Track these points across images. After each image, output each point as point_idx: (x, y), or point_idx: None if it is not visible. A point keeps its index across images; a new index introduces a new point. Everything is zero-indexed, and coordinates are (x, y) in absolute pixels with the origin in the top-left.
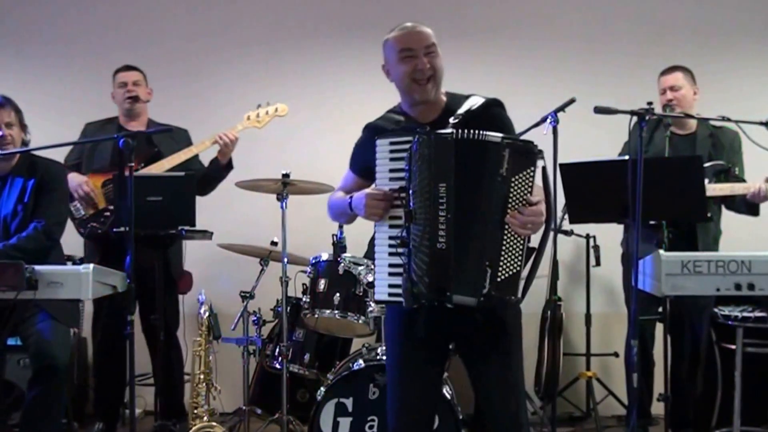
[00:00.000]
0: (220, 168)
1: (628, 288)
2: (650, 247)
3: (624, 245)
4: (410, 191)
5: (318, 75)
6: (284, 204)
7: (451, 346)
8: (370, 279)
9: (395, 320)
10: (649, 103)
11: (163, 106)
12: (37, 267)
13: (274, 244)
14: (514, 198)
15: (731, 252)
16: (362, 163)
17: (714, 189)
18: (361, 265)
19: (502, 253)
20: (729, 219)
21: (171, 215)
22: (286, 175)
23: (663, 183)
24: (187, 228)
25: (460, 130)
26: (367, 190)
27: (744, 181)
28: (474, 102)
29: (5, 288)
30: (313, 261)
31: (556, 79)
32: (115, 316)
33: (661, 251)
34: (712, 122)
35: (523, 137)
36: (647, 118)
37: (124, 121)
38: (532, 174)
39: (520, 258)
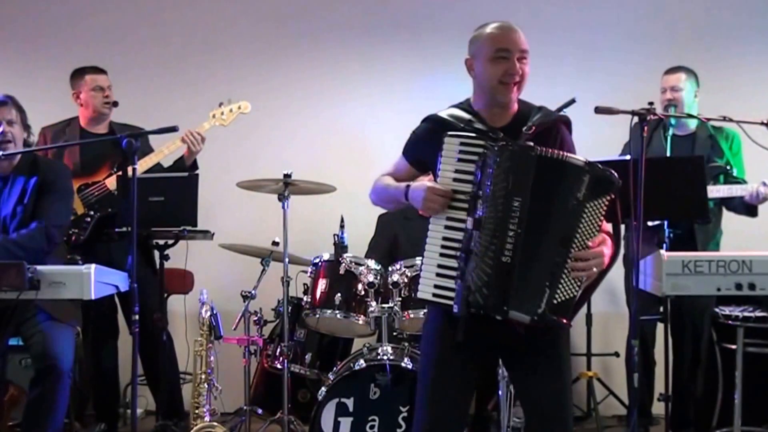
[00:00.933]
0: (185, 168)
1: (629, 288)
2: (651, 247)
3: (624, 247)
4: (480, 198)
5: (320, 75)
6: (285, 204)
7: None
8: (371, 279)
9: (436, 321)
10: (650, 103)
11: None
12: (39, 267)
13: (275, 244)
14: (585, 224)
15: (732, 252)
16: (419, 155)
17: (712, 191)
18: (362, 265)
19: (563, 276)
20: (729, 219)
21: (173, 215)
22: (287, 175)
23: (664, 183)
24: (188, 228)
25: (543, 148)
26: (429, 184)
27: (744, 181)
28: (545, 114)
29: (7, 288)
30: (315, 261)
31: (557, 79)
32: (103, 316)
33: (662, 251)
34: (712, 123)
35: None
36: (648, 118)
37: (87, 123)
38: (606, 203)
39: (579, 284)
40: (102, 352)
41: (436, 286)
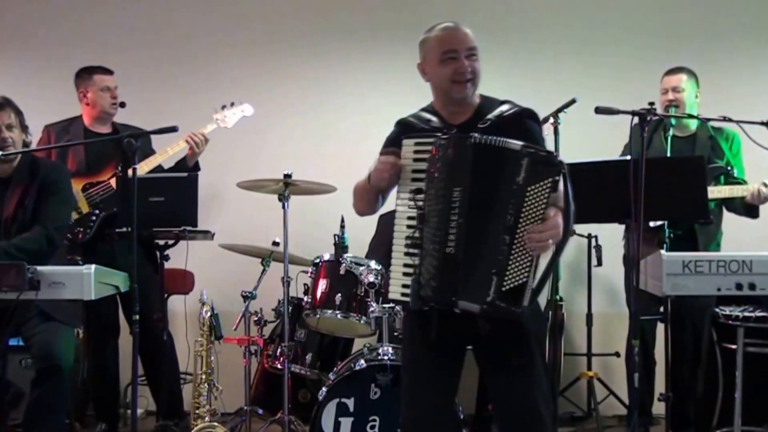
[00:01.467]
0: (187, 169)
1: (629, 288)
2: (651, 248)
3: (625, 247)
4: (424, 192)
5: (321, 75)
6: (286, 204)
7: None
8: (372, 279)
9: (411, 321)
10: (651, 104)
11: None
12: (39, 267)
13: (275, 244)
14: (528, 209)
15: (732, 252)
16: None
17: (713, 192)
18: (362, 265)
19: (510, 262)
20: (730, 219)
21: (173, 215)
22: (287, 176)
23: (665, 183)
24: (189, 228)
25: (480, 135)
26: (382, 157)
27: (744, 182)
28: (507, 108)
29: (7, 289)
30: (315, 261)
31: (558, 79)
32: (105, 316)
33: (663, 251)
34: (712, 124)
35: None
36: (648, 118)
37: (91, 123)
38: (548, 185)
39: (527, 269)
40: (103, 352)
41: (403, 285)
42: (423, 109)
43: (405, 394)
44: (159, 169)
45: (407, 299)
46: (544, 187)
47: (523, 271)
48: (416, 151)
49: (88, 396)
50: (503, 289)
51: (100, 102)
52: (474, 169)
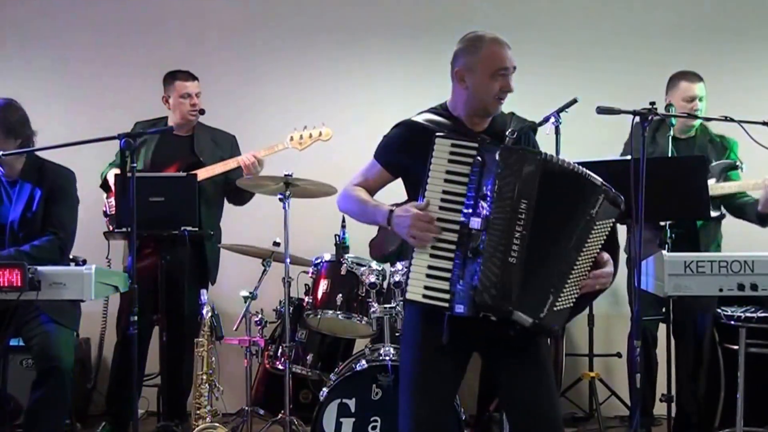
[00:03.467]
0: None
1: (631, 289)
2: (653, 248)
3: (627, 249)
4: (484, 198)
5: (322, 75)
6: (287, 204)
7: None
8: (373, 280)
9: (416, 323)
10: (652, 104)
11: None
12: (40, 268)
13: (276, 244)
14: (592, 241)
15: (734, 252)
16: (393, 160)
17: (723, 188)
18: (363, 265)
19: (566, 285)
20: (732, 220)
21: (173, 216)
22: (288, 176)
23: (666, 183)
24: (188, 229)
25: (548, 154)
26: (414, 210)
27: (743, 193)
28: (520, 122)
29: (8, 289)
30: (316, 262)
31: (559, 79)
32: (138, 316)
33: (664, 252)
34: (714, 131)
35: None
36: (649, 118)
37: (180, 129)
38: (611, 225)
39: (575, 294)
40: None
41: (426, 287)
42: (434, 113)
43: (409, 396)
44: (234, 175)
45: (431, 302)
46: (608, 225)
47: (572, 296)
48: (452, 153)
49: (90, 396)
50: (555, 308)
51: (179, 108)
52: (540, 185)
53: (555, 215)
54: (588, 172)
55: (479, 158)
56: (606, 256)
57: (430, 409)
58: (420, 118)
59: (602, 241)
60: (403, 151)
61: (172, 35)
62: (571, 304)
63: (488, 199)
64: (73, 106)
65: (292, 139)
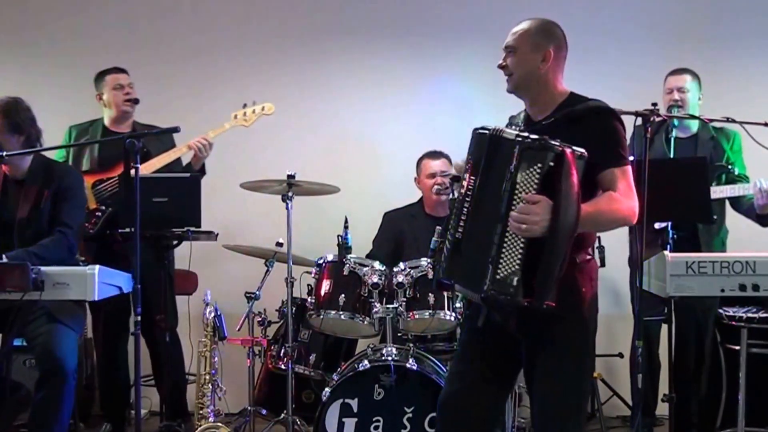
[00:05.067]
0: (193, 173)
1: (633, 290)
2: (655, 249)
3: (630, 249)
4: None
5: (325, 76)
6: (289, 205)
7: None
8: (375, 280)
9: (470, 311)
10: (654, 104)
11: (151, 106)
12: (44, 268)
13: (279, 244)
14: (519, 195)
15: (736, 253)
16: None
17: (716, 191)
18: (366, 266)
19: (503, 251)
20: (733, 220)
21: (176, 216)
22: (291, 176)
23: (667, 184)
24: (192, 229)
25: (500, 128)
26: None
27: (746, 177)
28: (581, 106)
29: (12, 289)
30: (319, 262)
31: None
32: (115, 317)
33: (666, 252)
34: (713, 124)
35: None
36: (651, 119)
37: (111, 123)
38: (538, 172)
39: (519, 256)
40: (113, 353)
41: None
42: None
43: (448, 374)
44: (176, 167)
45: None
46: (534, 173)
47: (515, 259)
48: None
49: (93, 396)
50: (497, 277)
51: (114, 100)
52: (487, 160)
53: (490, 184)
54: (505, 129)
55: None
56: (537, 197)
57: (461, 384)
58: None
59: (533, 191)
60: None
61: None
62: (518, 266)
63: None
64: (74, 108)
65: (236, 117)
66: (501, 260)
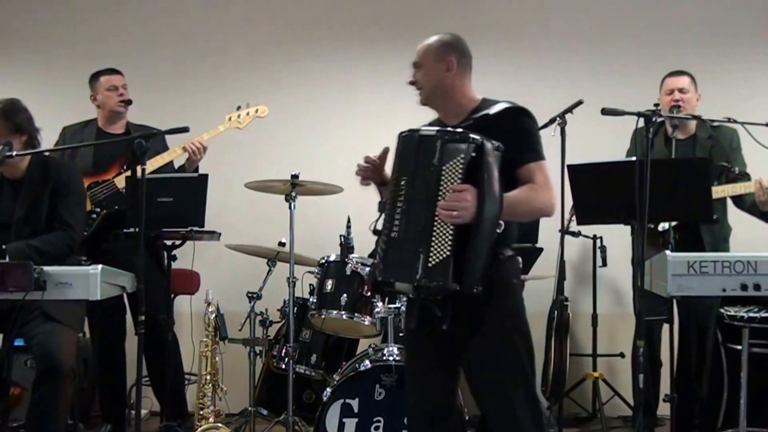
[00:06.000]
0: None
1: (635, 290)
2: (656, 248)
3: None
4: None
5: (326, 77)
6: (292, 205)
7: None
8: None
9: (406, 314)
10: (656, 105)
11: (145, 108)
12: (46, 268)
13: (281, 244)
14: (445, 186)
15: (737, 252)
16: None
17: (717, 192)
18: (368, 265)
19: (433, 239)
20: (735, 221)
21: (181, 216)
22: (294, 176)
23: (669, 184)
24: (196, 229)
25: (426, 129)
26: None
27: (746, 174)
28: (496, 108)
29: (14, 289)
30: (321, 262)
31: (564, 81)
32: (111, 318)
33: (668, 252)
34: (711, 123)
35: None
36: (654, 119)
37: (104, 124)
38: (461, 162)
39: (449, 243)
40: (111, 354)
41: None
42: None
43: (406, 382)
44: (170, 168)
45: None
46: (457, 164)
47: (445, 245)
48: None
49: (93, 396)
50: (429, 264)
51: (107, 101)
52: (414, 159)
53: (419, 181)
54: (426, 128)
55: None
56: (463, 186)
57: (418, 391)
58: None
59: (458, 180)
60: None
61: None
62: (449, 253)
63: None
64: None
65: (230, 119)
66: (431, 249)
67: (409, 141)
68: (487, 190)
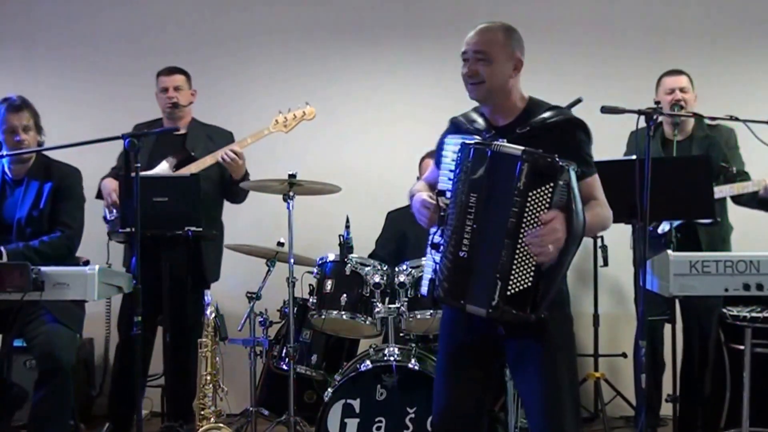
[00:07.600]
0: (234, 182)
1: (637, 289)
2: (658, 248)
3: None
4: (445, 194)
5: (325, 76)
6: (291, 204)
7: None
8: (377, 280)
9: (446, 318)
10: (657, 103)
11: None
12: (44, 268)
13: (280, 244)
14: (530, 214)
15: (739, 252)
16: (438, 157)
17: (716, 192)
18: (368, 265)
19: (514, 267)
20: (736, 221)
21: (177, 216)
22: (292, 176)
23: (670, 183)
24: (192, 229)
25: (499, 143)
26: (424, 196)
27: (745, 173)
28: (550, 115)
29: (12, 289)
30: (320, 262)
31: (563, 79)
32: (146, 321)
33: (670, 251)
34: (707, 122)
35: None
36: (655, 117)
37: (167, 123)
38: (549, 190)
39: (531, 274)
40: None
41: (429, 281)
42: (474, 109)
43: (436, 390)
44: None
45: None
46: (545, 192)
47: (527, 276)
48: (453, 152)
49: (93, 397)
50: (508, 294)
51: (159, 102)
52: (488, 175)
53: (495, 201)
54: (509, 145)
55: (459, 154)
56: (552, 214)
57: (448, 398)
58: (461, 114)
59: (545, 210)
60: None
61: (172, 39)
62: (529, 285)
63: (449, 194)
64: (76, 110)
65: (276, 122)
66: (512, 278)
67: (481, 154)
68: (574, 219)
